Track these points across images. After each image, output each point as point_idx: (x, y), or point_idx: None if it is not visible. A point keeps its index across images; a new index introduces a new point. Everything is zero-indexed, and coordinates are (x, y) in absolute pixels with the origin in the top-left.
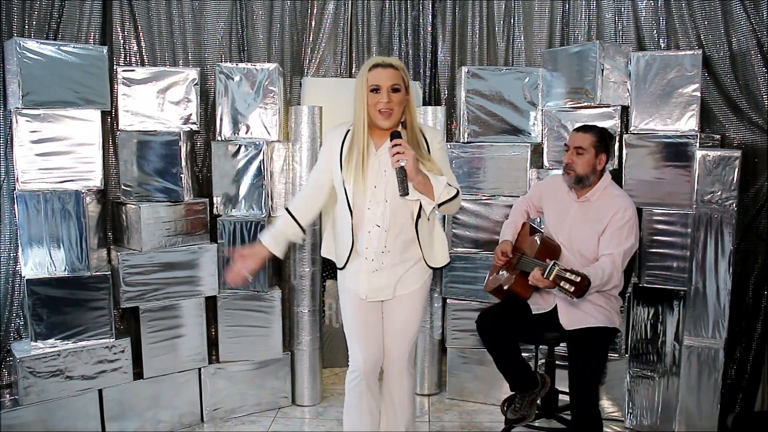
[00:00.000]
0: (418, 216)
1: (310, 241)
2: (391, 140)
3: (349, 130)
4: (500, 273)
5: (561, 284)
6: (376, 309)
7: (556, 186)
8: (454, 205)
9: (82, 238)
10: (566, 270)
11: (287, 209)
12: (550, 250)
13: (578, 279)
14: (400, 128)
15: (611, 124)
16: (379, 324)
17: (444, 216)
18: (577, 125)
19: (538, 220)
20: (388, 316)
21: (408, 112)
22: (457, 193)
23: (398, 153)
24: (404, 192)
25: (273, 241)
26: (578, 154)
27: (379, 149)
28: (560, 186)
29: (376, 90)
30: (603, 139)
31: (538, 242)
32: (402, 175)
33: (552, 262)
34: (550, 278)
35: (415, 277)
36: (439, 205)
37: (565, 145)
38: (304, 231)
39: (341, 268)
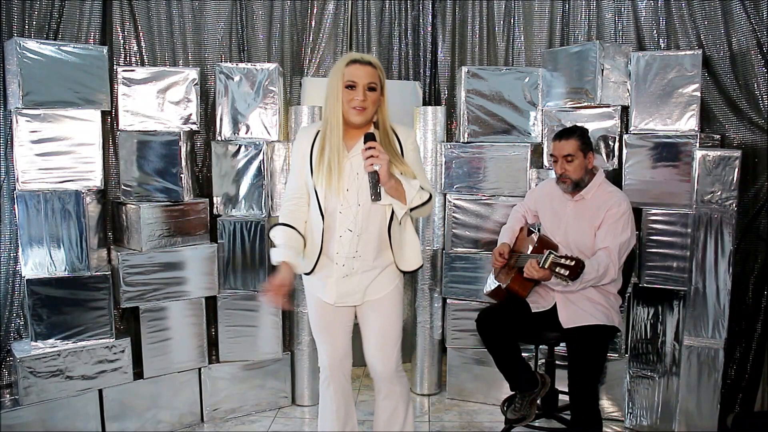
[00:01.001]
0: (391, 220)
1: None
2: (364, 143)
3: (318, 132)
4: (499, 277)
5: (556, 270)
6: (344, 312)
7: (549, 189)
8: (427, 209)
9: (82, 238)
10: (561, 256)
11: (286, 224)
12: (547, 246)
13: (572, 263)
14: (372, 129)
15: (611, 124)
16: (346, 327)
17: (420, 219)
18: (555, 132)
19: (537, 227)
20: (365, 325)
21: (381, 112)
22: (430, 197)
23: (372, 156)
24: (376, 197)
25: (295, 258)
26: (568, 161)
27: (351, 150)
28: (554, 188)
29: (352, 87)
30: (586, 139)
31: (535, 240)
32: (375, 179)
33: (548, 252)
34: (546, 266)
35: (385, 281)
36: (412, 210)
37: (551, 155)
38: (305, 244)
39: (308, 274)
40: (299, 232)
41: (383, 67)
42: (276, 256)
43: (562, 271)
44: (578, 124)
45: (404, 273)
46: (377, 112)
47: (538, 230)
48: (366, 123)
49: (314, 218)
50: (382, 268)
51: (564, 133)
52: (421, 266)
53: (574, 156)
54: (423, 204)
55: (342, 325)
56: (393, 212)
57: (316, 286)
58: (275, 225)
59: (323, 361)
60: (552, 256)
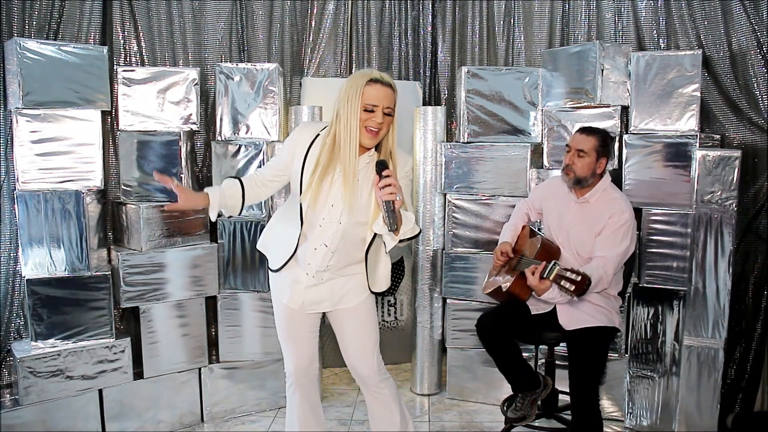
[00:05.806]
0: (370, 243)
1: None
2: (379, 170)
3: (318, 135)
4: (498, 276)
5: (561, 283)
6: (311, 318)
7: (556, 187)
8: (411, 242)
9: (82, 238)
10: (567, 269)
11: (241, 181)
12: (549, 251)
13: (579, 278)
14: (373, 152)
15: (611, 124)
16: (312, 332)
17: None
18: (580, 125)
19: (538, 222)
20: (342, 333)
21: (389, 136)
22: (420, 232)
23: (390, 185)
24: (394, 227)
25: (216, 201)
26: (579, 156)
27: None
28: (560, 186)
29: (371, 110)
30: (605, 144)
31: (538, 244)
32: (390, 208)
33: (552, 262)
34: (551, 278)
35: (358, 289)
36: (400, 241)
37: (567, 145)
38: (241, 211)
39: (274, 271)
40: (243, 201)
41: (383, 67)
42: (212, 190)
43: (568, 285)
44: (606, 130)
45: (374, 294)
46: (386, 136)
47: (540, 229)
48: (373, 145)
49: (292, 221)
50: (352, 276)
51: (588, 130)
52: (389, 288)
53: (586, 153)
54: (411, 238)
55: (308, 332)
56: (373, 238)
57: (281, 290)
58: (240, 179)
59: (289, 367)
60: (558, 268)
